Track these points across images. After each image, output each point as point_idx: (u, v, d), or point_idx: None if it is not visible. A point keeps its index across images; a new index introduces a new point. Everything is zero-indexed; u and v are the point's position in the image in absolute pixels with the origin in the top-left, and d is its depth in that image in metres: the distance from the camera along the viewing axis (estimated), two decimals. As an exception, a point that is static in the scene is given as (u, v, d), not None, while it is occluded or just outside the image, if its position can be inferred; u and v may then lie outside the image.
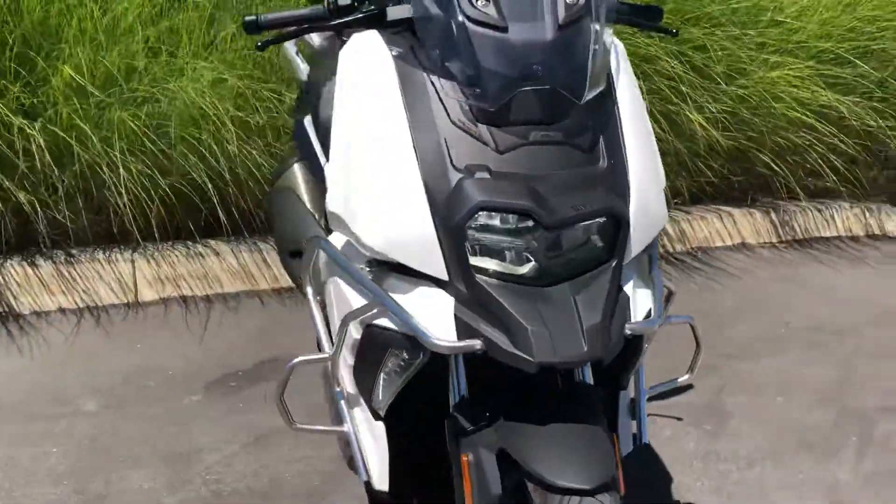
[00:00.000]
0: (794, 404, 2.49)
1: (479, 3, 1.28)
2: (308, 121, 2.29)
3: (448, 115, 1.31)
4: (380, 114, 1.35)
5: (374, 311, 1.36)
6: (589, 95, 1.32)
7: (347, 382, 1.54)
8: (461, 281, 1.27)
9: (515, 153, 1.29)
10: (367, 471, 1.52)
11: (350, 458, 1.69)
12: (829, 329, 2.91)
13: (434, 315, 1.29)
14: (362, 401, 1.52)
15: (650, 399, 1.63)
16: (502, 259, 1.28)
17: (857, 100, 3.27)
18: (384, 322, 1.36)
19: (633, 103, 1.42)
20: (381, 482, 1.52)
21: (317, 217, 2.46)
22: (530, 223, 1.25)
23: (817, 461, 2.23)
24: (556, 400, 1.38)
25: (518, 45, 1.29)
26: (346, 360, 1.49)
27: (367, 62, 1.40)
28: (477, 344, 1.26)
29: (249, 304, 3.02)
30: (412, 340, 1.32)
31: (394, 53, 1.38)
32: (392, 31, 1.44)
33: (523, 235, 1.26)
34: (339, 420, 1.59)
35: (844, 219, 3.77)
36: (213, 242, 3.18)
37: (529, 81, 1.27)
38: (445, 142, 1.30)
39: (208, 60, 2.80)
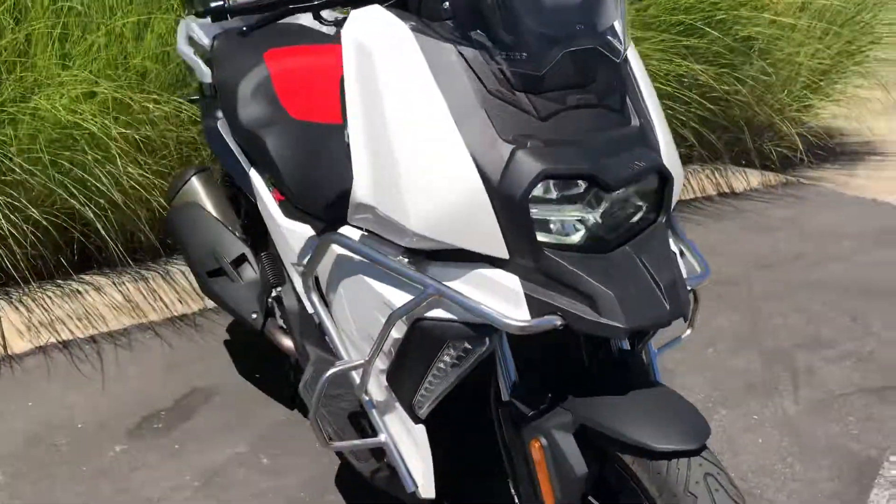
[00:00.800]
0: (723, 353, 2.62)
1: None
2: (221, 125, 2.10)
3: (484, 85, 1.23)
4: (410, 92, 1.24)
5: (425, 303, 1.26)
6: (624, 54, 1.29)
7: (379, 388, 1.42)
8: (527, 256, 1.19)
9: (557, 119, 1.23)
10: (412, 479, 1.41)
11: (374, 471, 1.57)
12: (723, 280, 3.09)
13: (501, 296, 1.20)
14: (398, 406, 1.41)
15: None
16: (560, 229, 1.22)
17: (709, 67, 3.49)
18: (438, 313, 1.26)
19: (637, 61, 1.41)
20: (428, 490, 1.42)
21: (230, 228, 2.27)
22: (582, 189, 1.21)
23: (763, 400, 2.36)
24: (616, 368, 1.34)
25: (560, 5, 1.23)
26: (379, 365, 1.38)
27: (382, 38, 1.28)
28: (556, 320, 1.19)
29: (143, 338, 2.74)
30: (476, 328, 1.24)
31: (409, 26, 1.27)
32: (386, 5, 1.34)
33: (582, 201, 1.21)
34: (366, 432, 1.46)
35: (699, 180, 4.03)
36: (89, 277, 2.86)
37: (575, 42, 1.22)
38: (487, 113, 1.22)
39: (71, 71, 2.50)
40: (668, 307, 1.19)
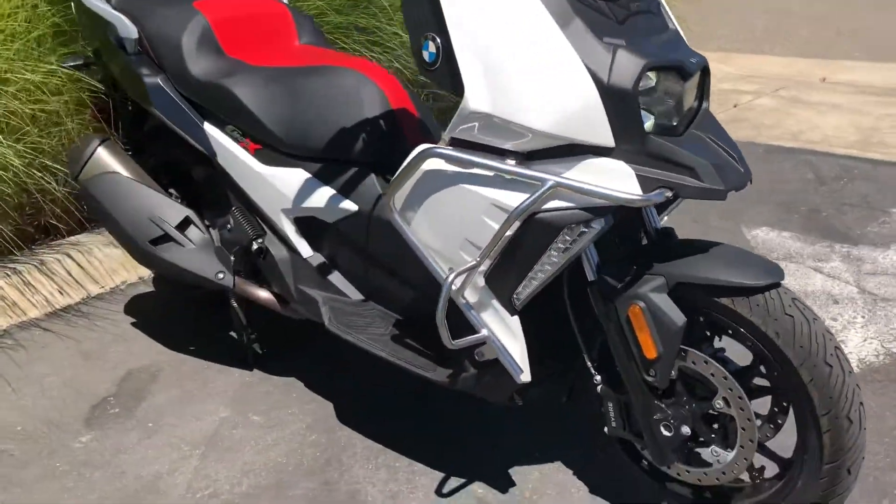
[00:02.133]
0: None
1: None
2: (163, 80, 2.02)
3: None
4: (515, 3, 1.35)
5: (545, 196, 1.39)
6: None
7: (474, 289, 1.52)
8: (633, 141, 1.37)
9: (629, 23, 1.42)
10: (518, 366, 1.54)
11: (455, 376, 1.66)
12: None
13: (613, 179, 1.37)
14: (495, 302, 1.52)
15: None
16: (656, 115, 1.41)
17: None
18: (555, 204, 1.40)
19: None
20: (526, 375, 1.56)
21: (162, 193, 2.18)
22: (667, 80, 1.41)
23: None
24: (670, 236, 1.58)
25: None
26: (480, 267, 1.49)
27: None
28: (666, 191, 1.39)
29: (31, 337, 2.49)
30: (594, 210, 1.40)
31: None
32: None
33: (670, 89, 1.41)
34: (462, 333, 1.55)
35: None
36: (-48, 278, 2.52)
37: None
38: (580, 18, 1.37)
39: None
40: (743, 171, 1.44)
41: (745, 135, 4.32)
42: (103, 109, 2.50)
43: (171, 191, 2.26)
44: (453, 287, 1.52)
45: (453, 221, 1.50)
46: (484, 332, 1.55)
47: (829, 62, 6.10)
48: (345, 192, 1.84)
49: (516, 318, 1.53)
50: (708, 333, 1.53)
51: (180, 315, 2.60)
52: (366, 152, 1.84)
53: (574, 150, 1.40)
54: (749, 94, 5.27)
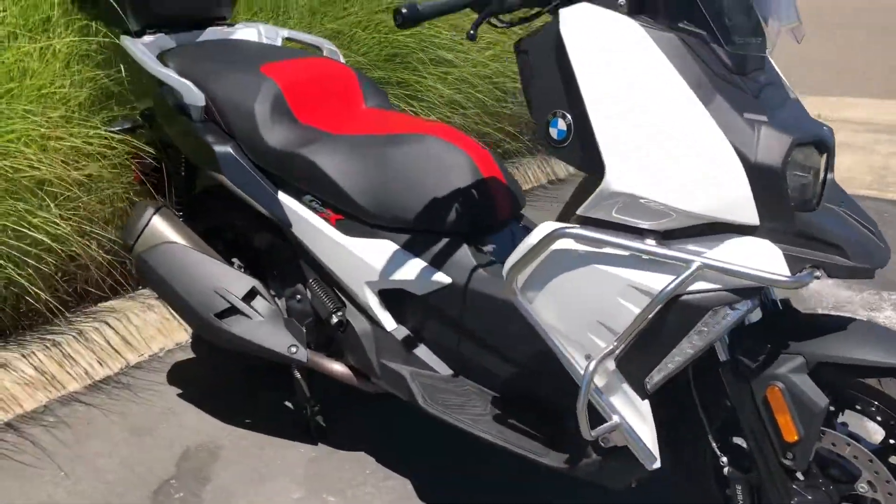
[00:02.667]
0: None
1: None
2: (234, 149, 1.94)
3: (711, 69, 1.34)
4: (656, 79, 1.30)
5: (689, 278, 1.33)
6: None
7: (604, 373, 1.45)
8: (781, 219, 1.32)
9: (762, 96, 1.38)
10: (651, 453, 1.47)
11: (578, 463, 1.58)
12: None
13: (759, 259, 1.32)
14: (626, 387, 1.45)
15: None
16: (798, 191, 1.36)
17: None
18: (700, 286, 1.34)
19: None
20: (657, 461, 1.49)
21: (225, 262, 2.09)
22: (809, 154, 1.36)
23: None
24: (795, 313, 1.52)
25: None
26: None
27: (613, 33, 1.33)
28: (816, 272, 1.34)
29: (73, 413, 2.36)
30: (740, 292, 1.34)
31: (631, 19, 1.34)
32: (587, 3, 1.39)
33: (809, 163, 1.37)
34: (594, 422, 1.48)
35: (533, 171, 4.37)
36: (-11, 353, 2.39)
37: (785, 24, 1.37)
38: (720, 93, 1.33)
39: None
40: (883, 246, 1.40)
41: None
42: (147, 172, 2.40)
43: (234, 260, 2.17)
44: (581, 372, 1.45)
45: (585, 303, 1.43)
46: (615, 418, 1.47)
47: (824, 99, 6.18)
48: (436, 263, 1.77)
49: (646, 402, 1.46)
50: (832, 409, 1.48)
51: (228, 384, 2.49)
52: (457, 223, 1.78)
53: (715, 228, 1.35)
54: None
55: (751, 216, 1.33)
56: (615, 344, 1.41)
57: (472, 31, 1.43)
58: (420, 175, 1.80)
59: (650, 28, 1.34)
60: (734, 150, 1.30)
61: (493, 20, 1.48)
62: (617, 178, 1.33)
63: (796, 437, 1.41)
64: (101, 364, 2.57)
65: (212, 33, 2.32)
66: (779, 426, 1.42)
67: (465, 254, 1.76)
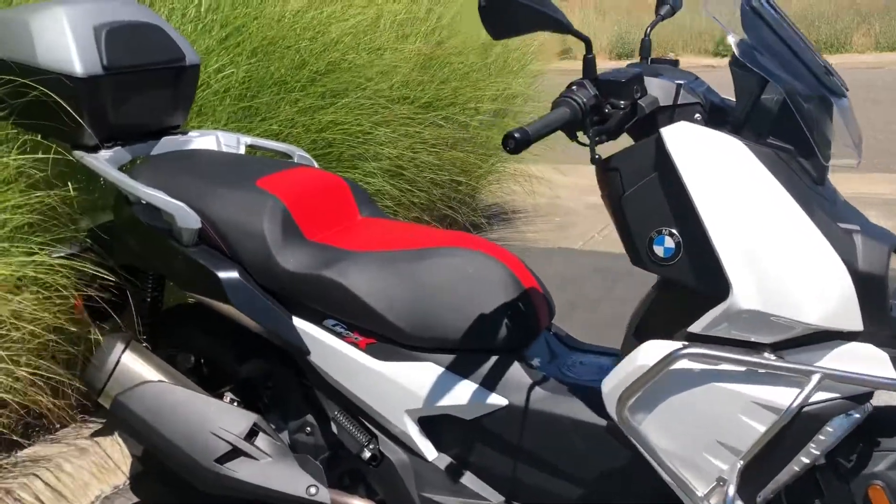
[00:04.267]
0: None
1: (832, 76, 1.38)
2: (241, 274, 1.78)
3: (802, 181, 1.38)
4: (766, 194, 1.33)
5: (812, 389, 1.33)
6: None
7: (718, 494, 1.41)
8: (882, 324, 1.35)
9: (838, 205, 1.45)
10: None
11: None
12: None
13: (870, 363, 1.35)
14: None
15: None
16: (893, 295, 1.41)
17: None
18: (819, 396, 1.35)
19: None
20: None
21: (218, 398, 1.89)
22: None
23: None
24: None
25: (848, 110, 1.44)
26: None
27: (722, 152, 1.34)
28: None
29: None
30: (857, 398, 1.36)
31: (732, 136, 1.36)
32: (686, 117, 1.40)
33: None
34: None
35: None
36: None
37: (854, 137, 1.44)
38: (819, 206, 1.37)
39: None
40: None
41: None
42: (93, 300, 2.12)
43: (226, 393, 1.94)
44: (699, 493, 1.41)
45: (703, 424, 1.40)
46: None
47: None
48: (488, 384, 1.68)
49: None
50: None
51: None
52: (505, 338, 1.70)
53: (820, 337, 1.38)
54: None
55: (856, 322, 1.36)
56: (740, 463, 1.39)
57: (595, 157, 1.42)
58: (460, 290, 1.71)
59: (750, 143, 1.37)
60: (841, 260, 1.34)
61: (582, 138, 1.45)
62: (745, 295, 1.33)
63: None
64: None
65: (168, 143, 2.11)
66: None
67: (518, 371, 1.68)
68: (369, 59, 3.21)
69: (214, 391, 1.95)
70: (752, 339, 1.37)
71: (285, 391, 1.89)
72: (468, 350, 1.70)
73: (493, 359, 1.69)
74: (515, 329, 1.70)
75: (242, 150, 2.20)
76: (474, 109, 3.95)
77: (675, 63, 1.60)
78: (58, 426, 2.49)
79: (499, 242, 4.72)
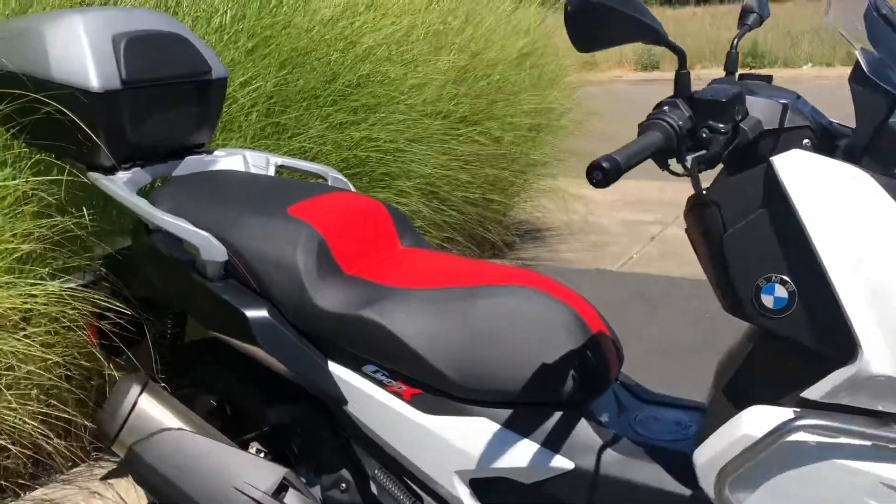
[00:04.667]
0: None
1: None
2: (271, 312, 1.59)
3: None
4: None
5: None
6: None
7: None
8: None
9: None
10: None
11: None
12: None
13: None
14: None
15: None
16: None
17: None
18: None
19: None
20: None
21: (243, 449, 1.70)
22: None
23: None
24: None
25: None
26: None
27: (845, 186, 1.13)
28: None
29: None
30: None
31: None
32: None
33: None
34: None
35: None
36: None
37: None
38: None
39: None
40: None
41: (688, 272, 4.34)
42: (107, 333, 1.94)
43: (254, 444, 1.75)
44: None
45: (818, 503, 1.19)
46: None
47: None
48: (552, 445, 1.47)
49: None
50: None
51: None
52: (571, 392, 1.49)
53: None
54: (654, 224, 5.38)
55: None
56: None
57: (700, 189, 1.23)
58: (519, 335, 1.51)
59: (879, 177, 1.16)
60: None
61: (675, 167, 1.25)
62: (877, 359, 1.12)
63: None
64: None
65: (192, 164, 1.94)
66: None
67: (585, 430, 1.48)
68: (404, 71, 3.03)
69: (239, 438, 1.76)
70: (880, 409, 1.16)
71: (318, 441, 1.70)
72: (528, 404, 1.50)
73: (557, 415, 1.49)
74: (583, 381, 1.49)
75: (272, 172, 2.02)
76: (511, 124, 3.75)
77: (769, 79, 1.40)
78: (69, 464, 2.31)
79: (533, 263, 4.64)
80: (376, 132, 2.79)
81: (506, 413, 1.50)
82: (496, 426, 1.49)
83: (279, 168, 2.04)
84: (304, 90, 2.70)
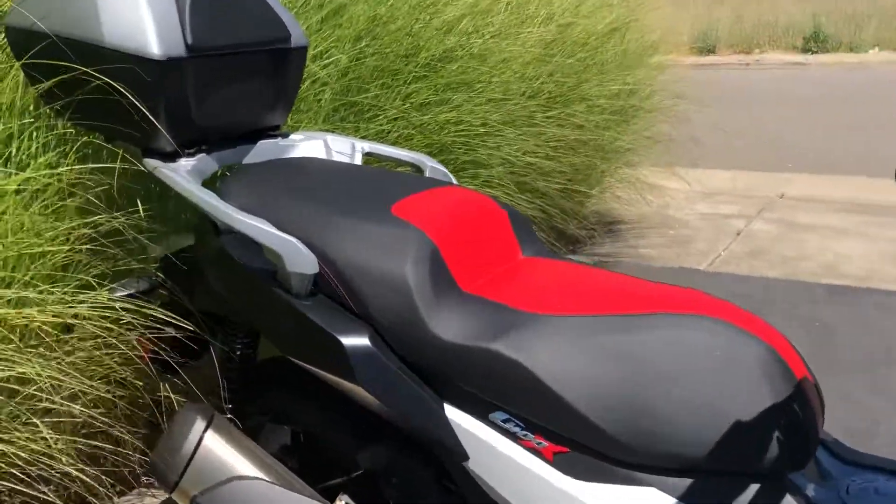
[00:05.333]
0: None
1: None
2: (374, 341, 1.25)
3: None
4: None
5: None
6: None
7: None
8: None
9: None
10: None
11: None
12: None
13: None
14: None
15: None
16: None
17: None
18: None
19: None
20: None
21: (317, 497, 1.39)
22: None
23: None
24: None
25: None
26: None
27: None
28: None
29: None
30: None
31: None
32: None
33: None
34: None
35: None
36: None
37: None
38: None
39: None
40: None
41: (783, 272, 3.94)
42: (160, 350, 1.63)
43: (344, 498, 1.43)
44: None
45: None
46: None
47: (772, 175, 5.98)
48: None
49: None
50: None
51: None
52: (771, 459, 1.14)
53: None
54: (736, 217, 4.98)
55: None
56: None
57: None
58: (702, 382, 1.15)
59: None
60: None
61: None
62: None
63: None
64: None
65: (265, 149, 1.61)
66: None
67: None
68: (493, 44, 2.67)
69: (321, 484, 1.45)
70: None
71: (422, 496, 1.37)
72: (713, 473, 1.15)
73: (753, 488, 1.14)
74: (789, 444, 1.14)
75: (358, 160, 1.69)
76: (598, 106, 3.38)
77: None
78: (117, 493, 2.02)
79: (611, 258, 4.27)
80: (466, 114, 2.44)
81: (682, 483, 1.15)
82: (670, 500, 1.14)
83: (366, 155, 1.71)
84: (383, 65, 2.36)
